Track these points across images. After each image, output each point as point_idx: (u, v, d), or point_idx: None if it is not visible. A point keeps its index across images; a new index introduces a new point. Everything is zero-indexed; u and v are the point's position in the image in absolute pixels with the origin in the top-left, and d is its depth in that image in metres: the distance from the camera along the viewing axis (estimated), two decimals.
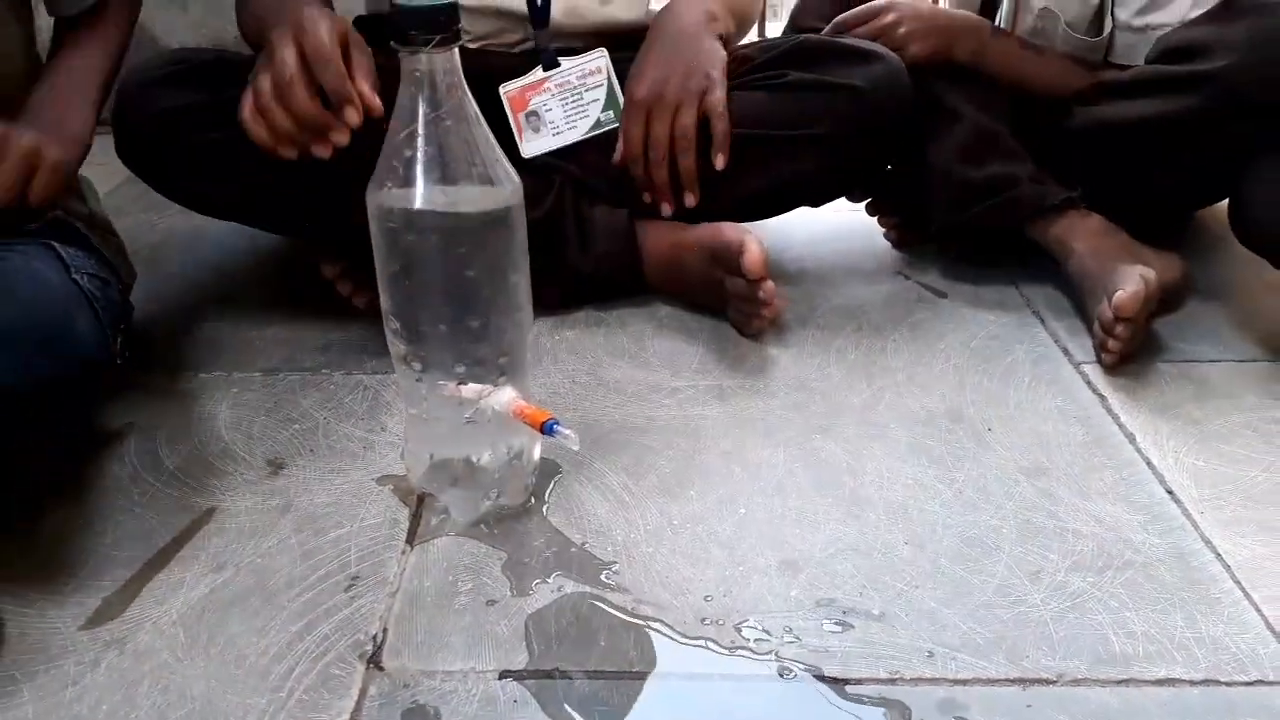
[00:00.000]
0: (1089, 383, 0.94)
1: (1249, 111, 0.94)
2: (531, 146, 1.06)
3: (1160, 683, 0.62)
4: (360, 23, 1.06)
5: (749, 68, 1.07)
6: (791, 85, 1.04)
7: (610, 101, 1.05)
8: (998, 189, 1.09)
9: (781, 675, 0.63)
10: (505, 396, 0.71)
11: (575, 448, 0.68)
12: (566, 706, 0.60)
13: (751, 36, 1.28)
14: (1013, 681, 0.62)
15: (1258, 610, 0.67)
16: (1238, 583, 0.70)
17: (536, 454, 0.78)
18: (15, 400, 0.67)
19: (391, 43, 0.64)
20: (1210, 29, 0.97)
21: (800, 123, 1.03)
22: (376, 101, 0.79)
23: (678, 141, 1.00)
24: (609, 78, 1.04)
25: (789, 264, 1.20)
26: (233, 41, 1.84)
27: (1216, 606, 0.68)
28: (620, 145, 1.03)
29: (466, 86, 0.66)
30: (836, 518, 0.76)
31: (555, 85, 1.05)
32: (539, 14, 1.04)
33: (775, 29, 1.86)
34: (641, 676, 0.63)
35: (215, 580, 0.71)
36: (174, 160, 0.95)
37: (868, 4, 1.15)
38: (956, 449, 0.84)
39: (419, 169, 0.66)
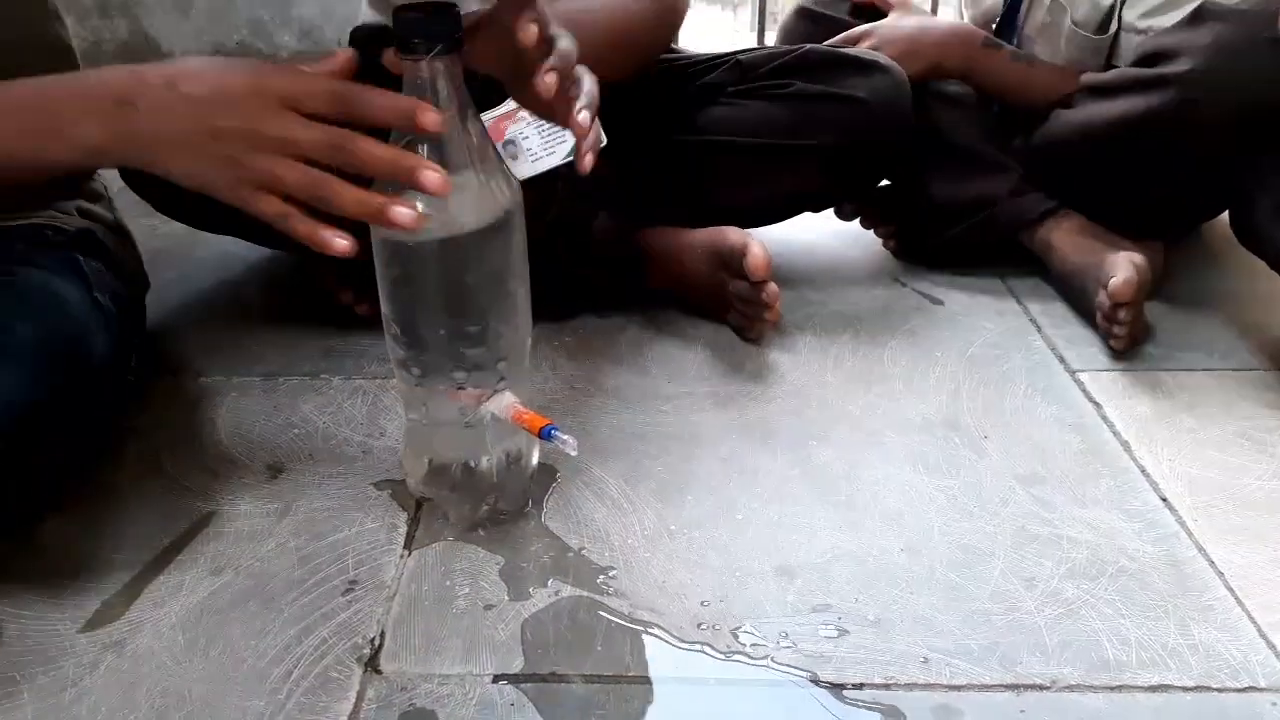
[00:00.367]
0: (1085, 391, 0.95)
1: (1203, 119, 0.95)
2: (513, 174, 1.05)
3: (1153, 689, 0.62)
4: (356, 34, 1.06)
5: (752, 76, 1.07)
6: (795, 95, 1.05)
7: None
8: (978, 208, 1.13)
9: (777, 681, 0.63)
10: (504, 401, 0.71)
11: (573, 453, 0.68)
12: (563, 710, 0.61)
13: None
14: (1007, 687, 0.63)
15: (1250, 618, 0.68)
16: (1231, 590, 0.70)
17: (535, 459, 0.78)
18: (30, 415, 0.68)
19: (395, 49, 0.65)
20: (1182, 34, 0.98)
21: (803, 132, 1.04)
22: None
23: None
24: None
25: (786, 270, 1.20)
26: (234, 48, 1.87)
27: (1209, 613, 0.68)
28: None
29: (468, 94, 0.67)
30: (833, 524, 0.77)
31: (528, 114, 1.04)
32: None
33: (770, 38, 1.86)
34: (638, 681, 0.63)
35: (214, 583, 0.71)
36: (170, 183, 0.95)
37: (846, 32, 1.16)
38: (953, 456, 0.85)
39: None
